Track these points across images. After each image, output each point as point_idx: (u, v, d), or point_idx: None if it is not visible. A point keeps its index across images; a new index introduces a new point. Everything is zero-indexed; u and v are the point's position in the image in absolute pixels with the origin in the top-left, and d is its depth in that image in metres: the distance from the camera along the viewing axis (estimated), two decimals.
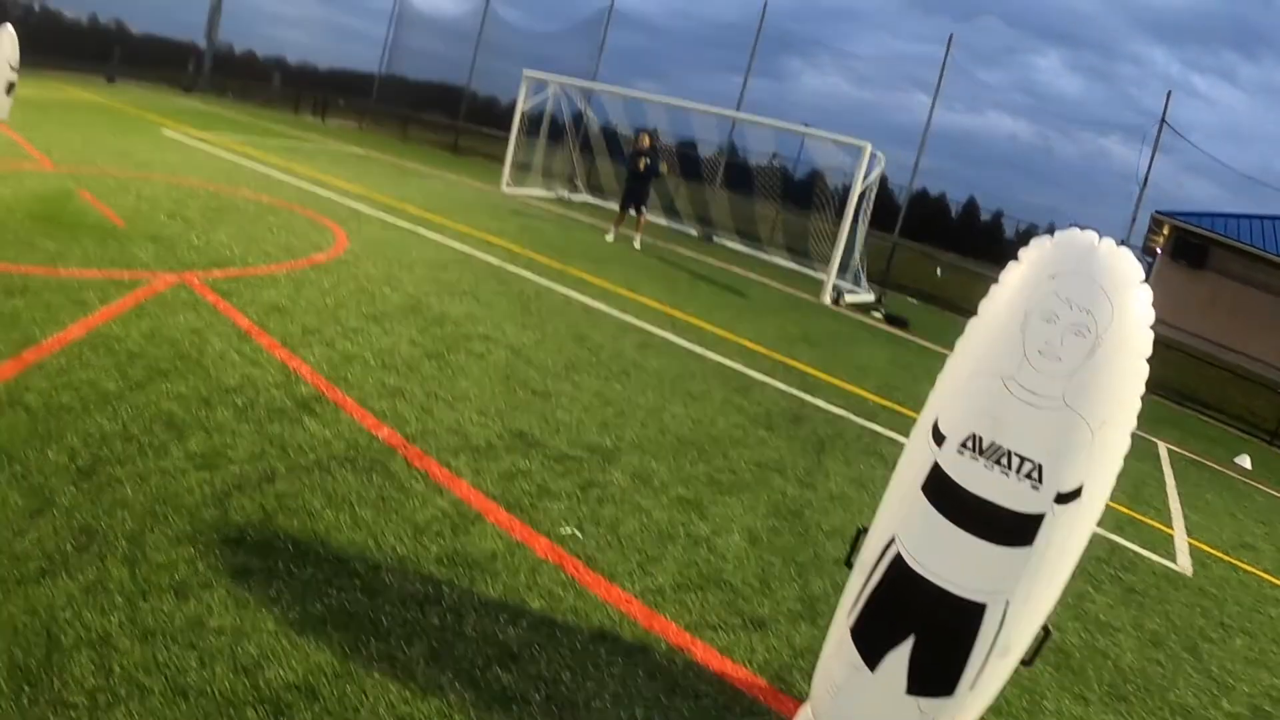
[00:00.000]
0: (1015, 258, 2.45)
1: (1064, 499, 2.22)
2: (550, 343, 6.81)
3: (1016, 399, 2.26)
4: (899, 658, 2.43)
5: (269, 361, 4.92)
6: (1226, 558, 6.50)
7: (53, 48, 35.81)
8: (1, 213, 7.15)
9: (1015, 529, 2.24)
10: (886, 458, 6.11)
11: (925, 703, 2.43)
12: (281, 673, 2.48)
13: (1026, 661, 2.51)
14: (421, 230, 10.84)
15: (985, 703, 2.55)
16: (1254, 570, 6.41)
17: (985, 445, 2.26)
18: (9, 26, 14.44)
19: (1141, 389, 2.32)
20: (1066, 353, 2.21)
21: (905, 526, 2.43)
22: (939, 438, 2.38)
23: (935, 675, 2.41)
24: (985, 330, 2.43)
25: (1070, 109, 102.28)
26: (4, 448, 3.33)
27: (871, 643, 2.48)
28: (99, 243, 6.80)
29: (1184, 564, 5.94)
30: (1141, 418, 2.41)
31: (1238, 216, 29.19)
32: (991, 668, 2.40)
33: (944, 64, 27.92)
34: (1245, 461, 11.07)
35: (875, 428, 6.93)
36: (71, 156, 11.14)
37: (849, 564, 2.67)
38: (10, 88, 13.89)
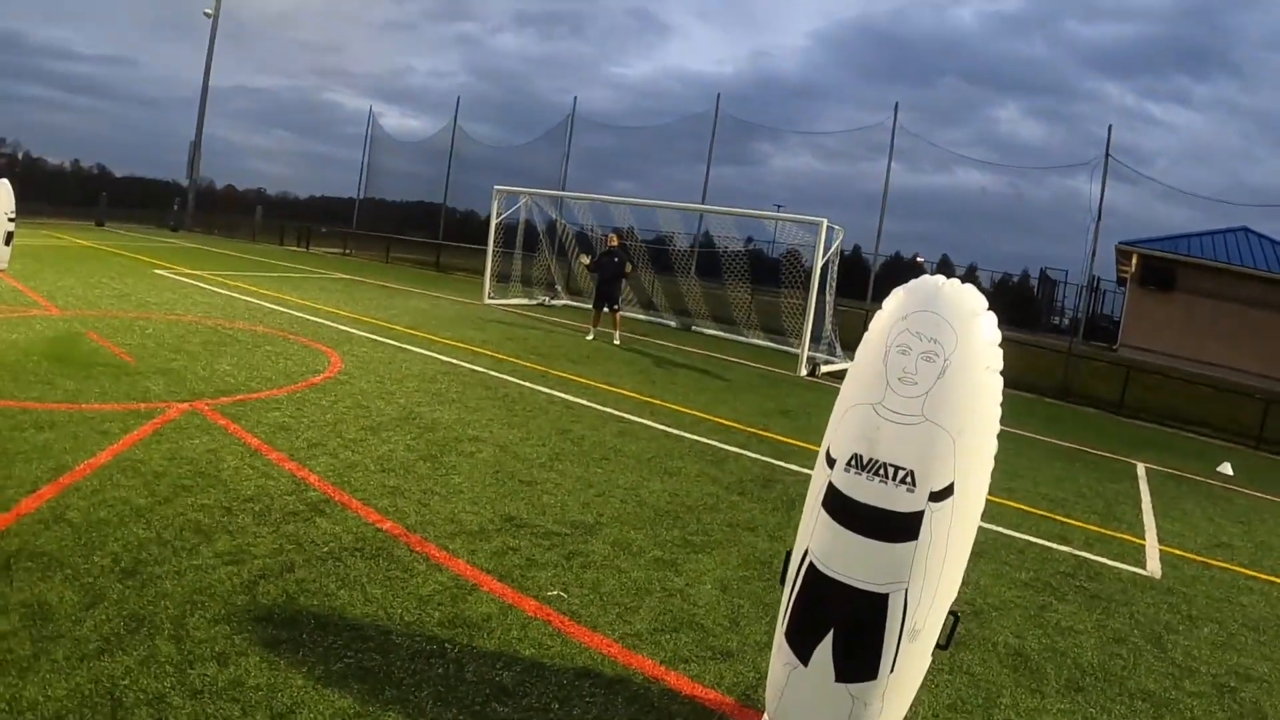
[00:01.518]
0: (1000, 318, 2.99)
1: (937, 496, 2.74)
2: (535, 438, 7.35)
3: (886, 420, 2.81)
4: (824, 651, 2.91)
5: (280, 473, 5.45)
6: (1199, 558, 6.94)
7: (38, 194, 36.89)
8: (19, 356, 7.79)
9: (900, 527, 2.76)
10: None
11: (854, 688, 2.90)
12: (311, 717, 2.96)
13: (942, 645, 3.00)
14: (410, 347, 11.45)
15: (911, 686, 3.03)
16: (1228, 565, 6.86)
17: (865, 461, 2.81)
18: (4, 181, 15.28)
19: (998, 397, 2.88)
20: (920, 376, 2.78)
21: (814, 539, 2.95)
22: (830, 461, 2.94)
23: (857, 662, 2.89)
24: (858, 368, 3.01)
25: (1034, 155, 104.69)
26: (54, 555, 3.86)
27: (801, 641, 2.97)
28: (113, 379, 7.43)
29: (1153, 568, 6.37)
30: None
31: (1199, 235, 30.12)
32: (906, 651, 2.87)
33: (894, 130, 29.30)
34: (1227, 469, 11.47)
35: None
36: (75, 301, 11.82)
37: (781, 582, 3.17)
38: (9, 237, 14.65)
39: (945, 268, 45.72)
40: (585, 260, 16.90)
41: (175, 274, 18.29)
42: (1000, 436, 2.96)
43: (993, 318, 2.89)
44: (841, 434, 2.93)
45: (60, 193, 50.47)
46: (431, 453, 6.44)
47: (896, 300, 2.95)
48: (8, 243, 14.69)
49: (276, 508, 4.84)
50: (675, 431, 8.38)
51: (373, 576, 4.13)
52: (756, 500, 6.46)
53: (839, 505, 2.86)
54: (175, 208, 47.67)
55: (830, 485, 2.91)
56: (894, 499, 2.76)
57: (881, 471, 2.78)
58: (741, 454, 7.88)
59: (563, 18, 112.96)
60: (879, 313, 3.02)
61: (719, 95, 32.89)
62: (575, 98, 38.15)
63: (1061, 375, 18.30)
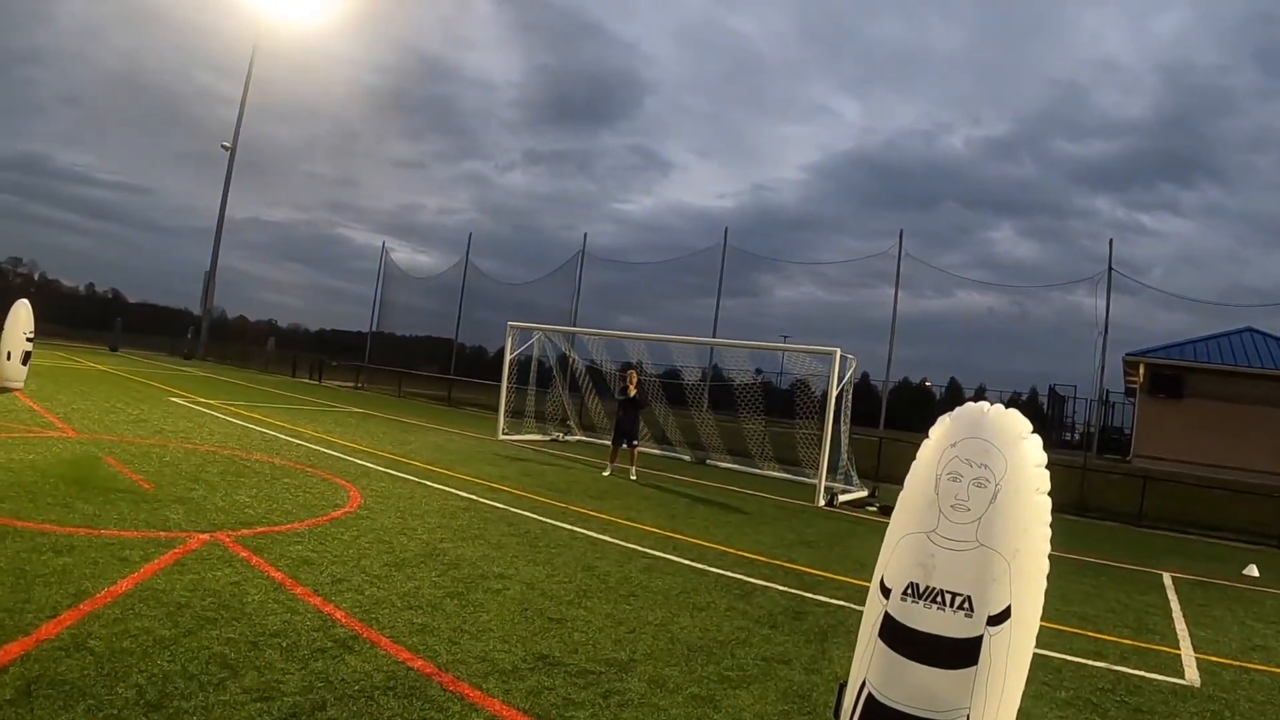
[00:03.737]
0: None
1: (995, 620, 2.70)
2: (561, 574, 7.24)
3: (940, 547, 2.79)
4: None
5: (305, 608, 5.36)
6: (1236, 663, 6.83)
7: (52, 315, 37.58)
8: (36, 477, 7.79)
9: (960, 653, 2.70)
10: None
11: None
12: None
13: None
14: (428, 482, 11.41)
15: None
16: (1266, 668, 6.76)
17: (922, 589, 2.77)
18: (25, 301, 15.57)
19: (1047, 518, 2.86)
20: (973, 502, 2.77)
21: (872, 669, 2.89)
22: (885, 591, 2.90)
23: None
24: (909, 498, 3.00)
25: (1030, 274, 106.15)
26: (77, 684, 3.77)
27: None
28: (132, 505, 7.44)
29: (1191, 677, 6.27)
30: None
31: (1204, 339, 30.29)
32: None
33: (899, 257, 29.79)
34: (1253, 571, 11.30)
35: None
36: (92, 424, 11.89)
37: (836, 715, 3.08)
38: (26, 357, 14.83)
39: (954, 391, 45.97)
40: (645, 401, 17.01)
41: (190, 402, 18.49)
42: (1055, 561, 2.93)
43: (1038, 440, 2.90)
44: (896, 563, 2.90)
45: (74, 315, 51.64)
46: (458, 590, 6.33)
47: (943, 428, 2.97)
48: (25, 362, 14.88)
49: (304, 643, 4.74)
50: (700, 566, 8.26)
51: (408, 716, 4.00)
52: (789, 633, 6.31)
53: (897, 634, 2.81)
54: (189, 335, 48.40)
55: (887, 615, 2.87)
56: (952, 625, 2.72)
57: (939, 598, 2.74)
58: (769, 586, 7.74)
59: (570, 156, 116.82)
60: (926, 441, 3.03)
61: (726, 229, 33.66)
62: (585, 234, 39.10)
63: (1078, 490, 18.18)
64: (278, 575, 6.03)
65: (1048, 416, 38.68)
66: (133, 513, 7.21)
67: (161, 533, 6.71)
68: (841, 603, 7.47)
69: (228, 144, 46.84)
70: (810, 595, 7.59)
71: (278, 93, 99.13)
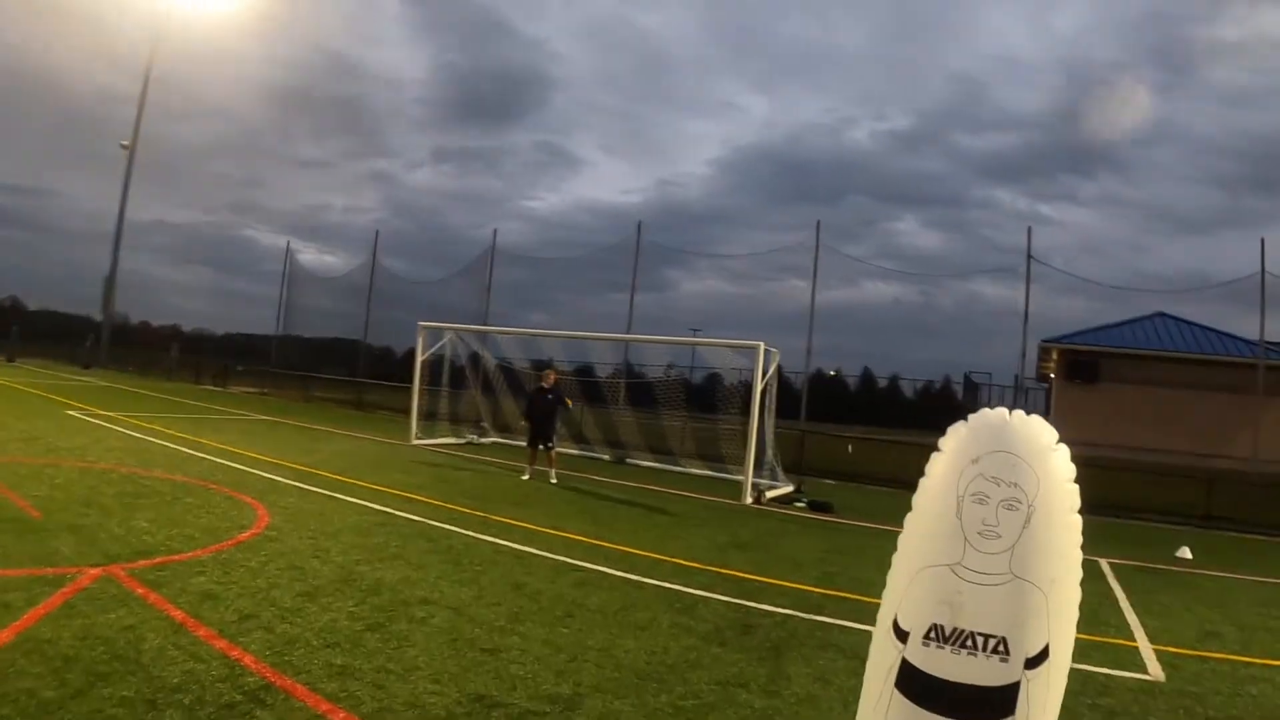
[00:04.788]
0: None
1: (1033, 662, 2.35)
2: (489, 596, 6.74)
3: (968, 582, 2.41)
4: None
5: (209, 653, 4.77)
6: (1194, 652, 6.80)
7: None
8: None
9: (996, 703, 2.34)
10: (844, 649, 6.13)
11: None
12: None
13: None
14: (339, 495, 10.77)
15: None
16: (1224, 655, 6.74)
17: (949, 632, 2.39)
18: None
19: (1079, 540, 2.51)
20: (1004, 528, 2.40)
21: None
22: (901, 634, 2.50)
23: None
24: (923, 522, 2.60)
25: (936, 263, 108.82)
26: None
27: None
28: (17, 537, 6.76)
29: (1155, 672, 6.18)
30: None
31: (1118, 325, 31.18)
32: None
33: (816, 247, 29.85)
34: (1186, 553, 11.47)
35: (825, 619, 6.98)
36: None
37: None
38: None
39: (867, 380, 46.61)
40: (523, 424, 16.24)
41: (88, 415, 17.46)
42: None
43: (1066, 450, 2.55)
44: (913, 602, 2.51)
45: None
46: (378, 620, 5.79)
47: (959, 439, 2.59)
48: None
49: (209, 699, 4.17)
50: (634, 577, 7.85)
51: None
52: (739, 650, 5.94)
53: (919, 685, 2.43)
54: (88, 344, 46.40)
55: (905, 663, 2.48)
56: (986, 672, 2.35)
57: (969, 643, 2.37)
58: (710, 597, 7.37)
59: (478, 154, 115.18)
60: (937, 455, 2.64)
61: (640, 223, 33.30)
62: (495, 230, 38.17)
63: None
64: (178, 614, 5.42)
65: (962, 404, 39.35)
66: (17, 546, 6.53)
67: (49, 569, 6.04)
68: (788, 611, 7.15)
69: (126, 143, 44.78)
70: (754, 605, 7.25)
71: (182, 91, 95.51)
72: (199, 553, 7.07)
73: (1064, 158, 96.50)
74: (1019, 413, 2.59)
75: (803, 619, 6.97)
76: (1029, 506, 2.39)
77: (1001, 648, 2.33)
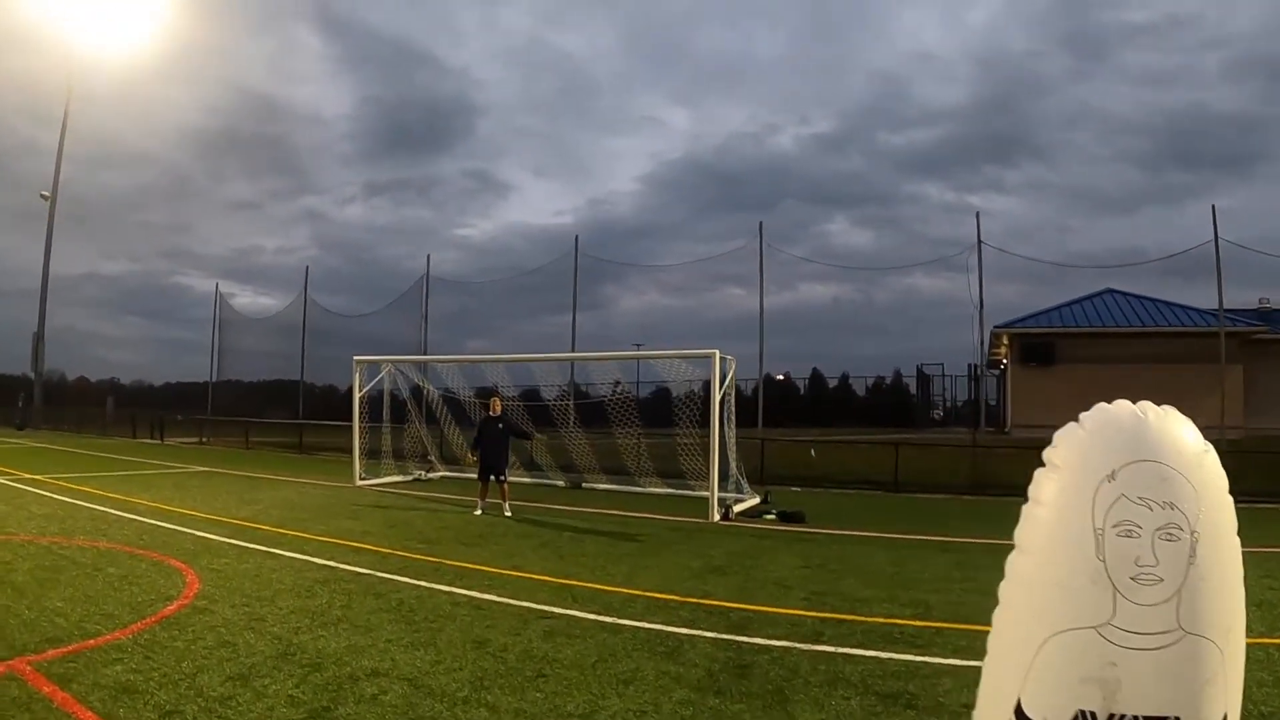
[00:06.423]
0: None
1: None
2: (448, 659, 5.89)
3: (1123, 648, 1.67)
4: None
5: None
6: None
7: None
8: None
9: None
10: (855, 683, 5.46)
11: None
12: None
13: None
14: (279, 550, 9.84)
15: None
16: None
17: None
18: None
19: (1240, 565, 1.80)
20: (1165, 568, 1.67)
21: None
22: None
23: None
24: (1043, 571, 1.86)
25: (870, 259, 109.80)
26: None
27: None
28: None
29: None
30: None
31: (1068, 304, 31.27)
32: None
33: (761, 251, 29.44)
34: None
35: (826, 649, 6.28)
36: None
37: None
38: None
39: (817, 381, 46.30)
40: (471, 457, 15.30)
41: (12, 480, 16.34)
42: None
43: (1214, 451, 1.83)
44: (1044, 684, 1.76)
45: None
46: (322, 704, 4.92)
47: (1080, 448, 1.84)
48: None
49: None
50: (608, 619, 7.06)
51: None
52: (739, 698, 5.19)
53: None
54: (19, 404, 44.84)
55: None
56: None
57: None
58: (695, 635, 6.60)
59: (407, 185, 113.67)
60: (1048, 473, 1.90)
61: (577, 237, 32.58)
62: (429, 256, 37.20)
63: (970, 468, 18.05)
64: (89, 718, 4.52)
65: (915, 397, 39.20)
66: None
67: None
68: (784, 643, 6.41)
69: (46, 193, 43.16)
70: (745, 639, 6.50)
71: (104, 140, 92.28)
72: (118, 634, 6.18)
73: (986, 148, 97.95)
74: (1147, 405, 1.88)
75: (802, 650, 6.23)
76: (1191, 534, 1.68)
77: None
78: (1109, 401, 1.96)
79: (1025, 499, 1.98)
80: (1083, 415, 1.92)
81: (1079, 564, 1.74)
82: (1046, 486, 1.87)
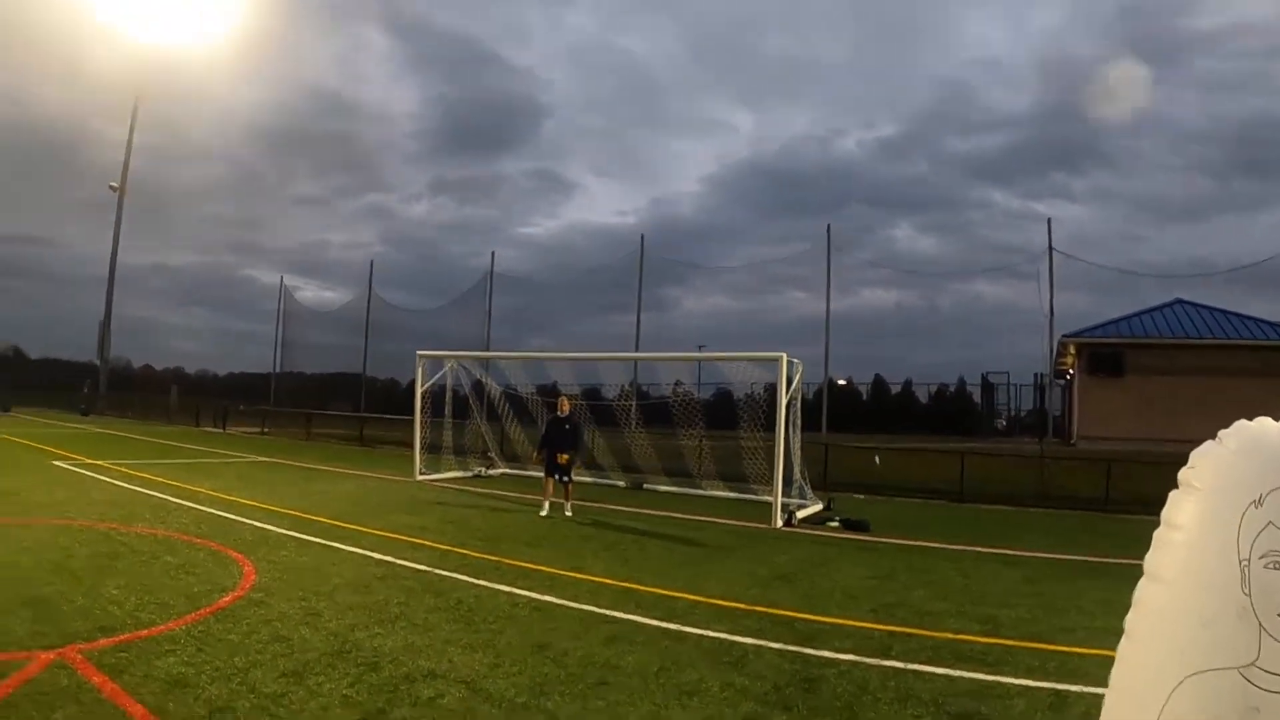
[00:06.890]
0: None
1: None
2: (507, 663, 5.75)
3: (1269, 691, 1.46)
4: None
5: None
6: None
7: None
8: None
9: None
10: (927, 701, 5.22)
11: None
12: None
13: None
14: (337, 544, 9.83)
15: None
16: None
17: None
18: None
19: None
20: None
21: None
22: None
23: None
24: (1179, 603, 1.64)
25: (935, 266, 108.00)
26: None
27: None
28: None
29: None
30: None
31: (1138, 314, 30.43)
32: None
33: (829, 254, 29.11)
34: None
35: (895, 664, 6.02)
36: None
37: None
38: None
39: (879, 387, 45.68)
40: (537, 457, 15.10)
41: (75, 465, 16.68)
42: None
43: None
44: None
45: None
46: (378, 706, 4.81)
47: (1224, 469, 1.63)
48: None
49: None
50: (672, 626, 6.88)
51: None
52: (808, 713, 4.98)
53: None
54: (85, 390, 46.04)
55: None
56: None
57: None
58: (761, 646, 6.40)
59: (472, 184, 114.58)
60: (1185, 496, 1.69)
61: (642, 236, 32.56)
62: (494, 253, 37.50)
63: (1037, 480, 17.64)
64: (137, 710, 4.47)
65: (978, 405, 38.47)
66: None
67: None
68: (852, 657, 6.17)
69: (114, 184, 44.26)
70: (813, 652, 6.27)
71: (175, 136, 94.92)
72: (172, 624, 6.14)
73: (1053, 155, 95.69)
74: None
75: (872, 665, 5.99)
76: None
77: None
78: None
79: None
80: (1223, 432, 1.70)
81: (1221, 598, 1.53)
82: (1184, 510, 1.66)
